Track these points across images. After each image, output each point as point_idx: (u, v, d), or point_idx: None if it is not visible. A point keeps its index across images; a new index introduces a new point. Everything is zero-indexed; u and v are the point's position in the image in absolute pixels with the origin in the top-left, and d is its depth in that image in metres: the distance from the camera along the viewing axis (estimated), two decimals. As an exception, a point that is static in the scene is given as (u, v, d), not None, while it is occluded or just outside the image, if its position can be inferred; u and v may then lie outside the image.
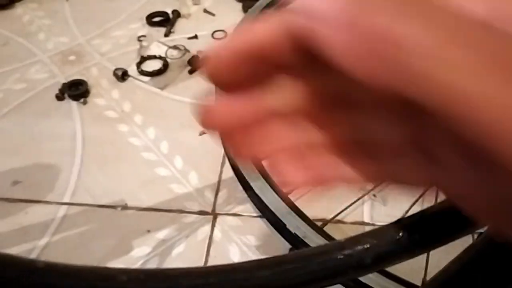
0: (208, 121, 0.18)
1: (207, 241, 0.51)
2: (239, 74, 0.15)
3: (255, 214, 0.54)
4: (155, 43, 0.74)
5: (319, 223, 0.48)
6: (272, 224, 0.49)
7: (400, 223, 0.16)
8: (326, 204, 0.52)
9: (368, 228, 0.51)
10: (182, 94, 0.67)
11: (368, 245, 0.17)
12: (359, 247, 0.15)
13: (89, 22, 0.80)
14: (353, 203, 0.52)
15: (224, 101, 0.17)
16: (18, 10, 0.83)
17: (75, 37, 0.77)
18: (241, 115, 0.17)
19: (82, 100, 0.66)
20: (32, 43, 0.76)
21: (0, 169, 0.58)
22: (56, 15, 0.81)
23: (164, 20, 0.79)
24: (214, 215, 0.54)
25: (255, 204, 0.50)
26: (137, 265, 0.49)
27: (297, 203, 0.48)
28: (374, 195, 0.55)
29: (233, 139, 0.18)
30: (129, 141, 0.61)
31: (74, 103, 0.66)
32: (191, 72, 0.70)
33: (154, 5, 0.82)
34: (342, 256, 0.17)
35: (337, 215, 0.51)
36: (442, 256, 0.47)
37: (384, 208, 0.54)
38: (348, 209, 0.52)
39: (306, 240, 0.45)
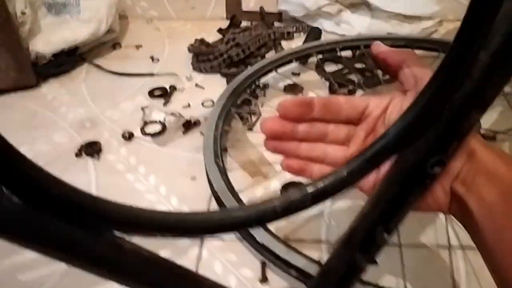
0: (264, 128, 0.38)
1: (195, 260, 0.65)
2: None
3: (235, 238, 0.67)
4: (156, 111, 0.92)
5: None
6: (246, 240, 0.63)
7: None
8: (288, 225, 0.67)
9: (324, 245, 0.65)
10: (177, 149, 0.84)
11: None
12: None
13: (102, 96, 0.98)
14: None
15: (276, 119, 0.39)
16: (43, 89, 1.01)
17: (90, 109, 0.95)
18: (282, 128, 0.40)
19: (96, 156, 0.82)
20: (56, 115, 0.93)
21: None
22: (75, 92, 1.00)
23: (163, 93, 0.98)
24: (202, 239, 0.67)
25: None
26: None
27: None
28: (329, 220, 0.69)
29: (275, 144, 0.41)
30: (134, 186, 0.76)
31: (89, 159, 0.82)
32: (184, 132, 0.87)
33: (156, 82, 1.01)
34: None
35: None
36: (418, 264, 0.61)
37: (337, 229, 0.68)
38: (307, 230, 0.66)
39: (270, 248, 0.58)
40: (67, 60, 1.04)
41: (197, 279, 0.37)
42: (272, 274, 0.62)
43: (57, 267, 0.64)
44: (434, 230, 0.67)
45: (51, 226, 0.25)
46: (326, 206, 0.71)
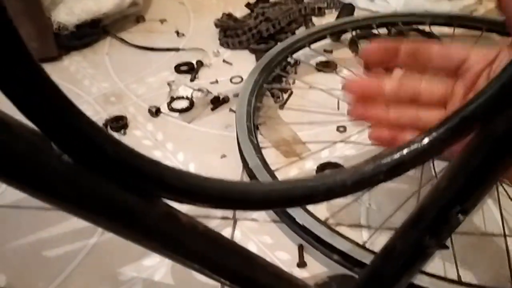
0: (348, 87, 0.34)
1: (229, 240, 0.61)
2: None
3: (269, 219, 0.64)
4: (183, 86, 0.88)
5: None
6: (284, 221, 0.60)
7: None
8: (327, 207, 0.63)
9: (364, 230, 0.61)
10: (205, 126, 0.80)
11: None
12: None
13: (126, 70, 0.94)
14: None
15: (360, 78, 0.36)
16: (65, 62, 0.98)
17: (114, 83, 0.91)
18: (367, 87, 0.36)
19: (122, 131, 0.79)
20: (79, 88, 0.90)
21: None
22: (98, 66, 0.96)
23: (190, 69, 0.93)
24: (235, 220, 0.64)
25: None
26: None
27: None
28: (369, 204, 0.65)
29: (357, 102, 0.37)
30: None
31: (115, 134, 0.78)
32: (213, 109, 0.83)
33: (181, 57, 0.97)
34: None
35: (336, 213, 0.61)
36: (468, 252, 0.57)
37: (378, 213, 0.64)
38: (347, 214, 0.62)
39: (312, 230, 0.54)
40: (90, 32, 1.00)
41: (250, 255, 0.34)
42: (310, 258, 0.58)
43: (83, 244, 0.61)
44: (481, 218, 0.63)
45: (104, 189, 0.22)
46: (366, 191, 0.67)
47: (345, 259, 0.53)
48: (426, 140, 0.29)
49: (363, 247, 0.52)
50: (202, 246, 0.28)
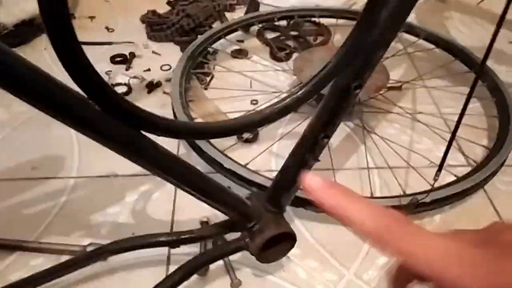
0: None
1: (173, 190, 0.80)
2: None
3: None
4: (120, 74, 1.04)
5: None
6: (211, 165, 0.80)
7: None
8: (248, 156, 0.84)
9: (274, 172, 0.82)
10: (144, 107, 0.95)
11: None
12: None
13: (66, 63, 1.07)
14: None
15: None
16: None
17: (56, 74, 1.04)
18: None
19: (72, 114, 0.93)
20: (24, 80, 1.01)
21: (22, 159, 0.83)
22: (38, 60, 1.07)
23: (124, 60, 1.09)
24: (177, 174, 0.82)
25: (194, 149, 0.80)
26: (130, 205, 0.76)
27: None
28: (277, 154, 0.87)
29: None
30: (111, 137, 0.89)
31: (66, 117, 0.92)
32: (148, 92, 1.00)
33: (114, 50, 1.12)
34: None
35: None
36: (346, 183, 0.79)
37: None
38: (263, 161, 0.84)
39: (236, 171, 0.75)
40: (28, 30, 1.11)
41: (196, 170, 0.53)
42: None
43: (55, 203, 0.76)
44: (357, 157, 0.88)
45: (115, 125, 0.40)
46: (275, 144, 0.88)
47: (261, 189, 0.74)
48: (301, 92, 0.49)
49: (267, 177, 0.74)
50: (162, 159, 0.47)
